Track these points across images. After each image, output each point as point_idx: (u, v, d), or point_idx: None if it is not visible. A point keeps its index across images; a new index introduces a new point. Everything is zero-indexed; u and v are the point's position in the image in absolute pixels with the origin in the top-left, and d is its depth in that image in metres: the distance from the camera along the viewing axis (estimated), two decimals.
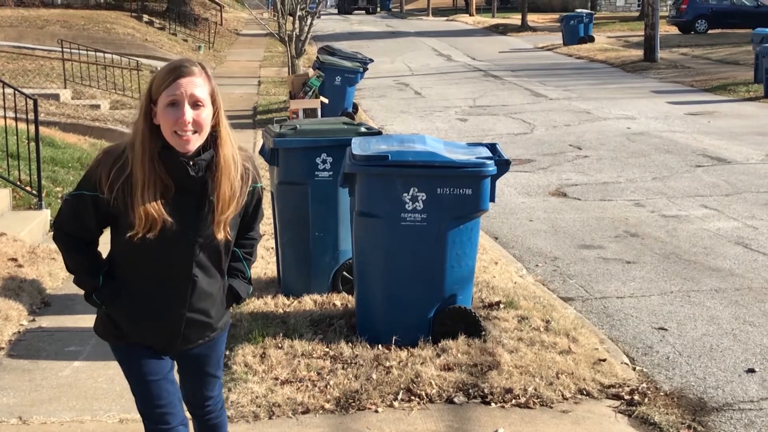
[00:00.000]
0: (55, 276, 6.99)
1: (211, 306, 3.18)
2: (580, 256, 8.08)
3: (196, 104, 2.91)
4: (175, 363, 3.31)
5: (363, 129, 6.39)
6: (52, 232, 3.21)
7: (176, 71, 2.92)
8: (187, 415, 3.35)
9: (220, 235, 3.04)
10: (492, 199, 5.45)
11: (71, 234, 3.10)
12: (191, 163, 2.94)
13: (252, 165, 3.14)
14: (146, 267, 3.05)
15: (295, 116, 13.36)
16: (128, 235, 2.94)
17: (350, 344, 5.44)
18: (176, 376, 3.31)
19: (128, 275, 3.09)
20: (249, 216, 3.25)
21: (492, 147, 5.71)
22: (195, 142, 2.93)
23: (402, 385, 4.94)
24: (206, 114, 2.93)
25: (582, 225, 9.16)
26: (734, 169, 11.68)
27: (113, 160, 2.96)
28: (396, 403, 4.79)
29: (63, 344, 5.75)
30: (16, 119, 10.03)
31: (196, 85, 2.91)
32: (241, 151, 3.09)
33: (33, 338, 5.87)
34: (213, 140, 2.99)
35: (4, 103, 9.88)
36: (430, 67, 26.75)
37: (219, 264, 3.16)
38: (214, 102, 2.96)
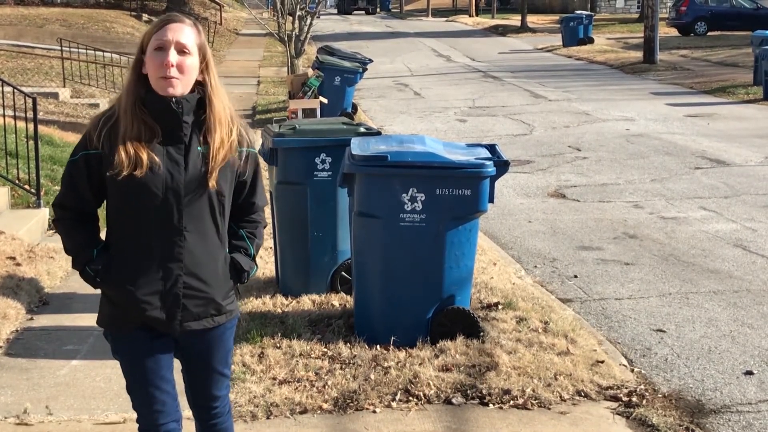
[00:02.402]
0: (54, 275, 6.98)
1: (210, 274, 3.12)
2: (578, 258, 8.08)
3: (182, 51, 3.00)
4: (180, 363, 3.27)
5: (362, 129, 6.39)
6: (53, 215, 3.22)
7: (167, 19, 3.06)
8: (188, 414, 3.34)
9: (212, 182, 3.04)
10: (491, 200, 5.45)
11: (69, 207, 3.13)
12: (173, 99, 3.00)
13: (246, 130, 3.20)
14: (139, 218, 3.03)
15: (294, 116, 13.36)
16: (113, 172, 2.97)
17: (348, 344, 5.44)
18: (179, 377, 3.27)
19: (123, 236, 3.08)
20: (248, 188, 3.23)
21: (491, 148, 5.71)
22: (178, 87, 3.00)
23: (400, 386, 4.93)
24: (191, 62, 3.02)
25: (581, 226, 9.17)
26: (733, 171, 11.69)
27: (101, 116, 3.09)
28: (394, 404, 4.79)
29: (61, 343, 5.74)
30: (15, 117, 10.02)
31: (184, 32, 3.02)
32: (236, 117, 3.18)
33: (31, 337, 5.87)
34: (203, 91, 3.07)
35: (3, 101, 9.85)
36: (429, 68, 26.75)
37: (213, 222, 3.12)
38: (203, 55, 3.06)
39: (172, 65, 2.97)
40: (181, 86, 3.01)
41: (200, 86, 3.07)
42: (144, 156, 2.97)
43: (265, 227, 3.40)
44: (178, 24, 3.02)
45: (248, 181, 3.23)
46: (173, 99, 3.00)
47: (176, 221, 3.04)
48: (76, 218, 3.15)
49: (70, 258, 3.22)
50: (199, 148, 3.05)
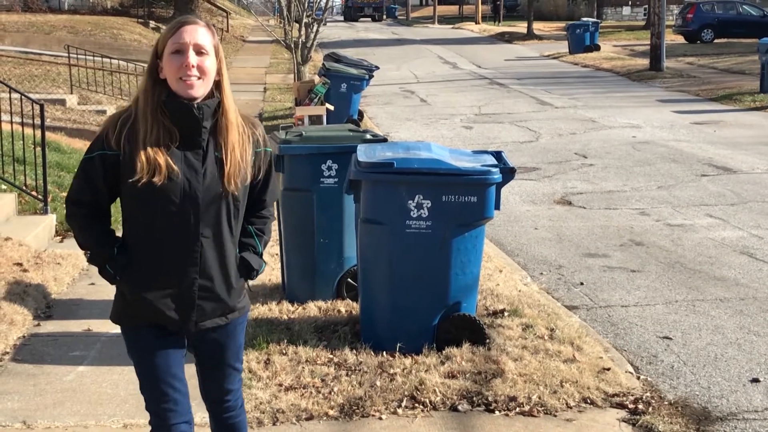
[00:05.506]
0: (61, 281, 6.99)
1: (224, 277, 3.16)
2: (584, 265, 8.07)
3: (200, 52, 3.01)
4: (194, 357, 3.31)
5: (368, 136, 6.40)
6: (65, 211, 3.23)
7: (181, 21, 3.07)
8: (198, 420, 3.35)
9: (231, 187, 3.06)
10: (497, 207, 5.45)
11: (83, 204, 3.14)
12: (195, 105, 3.01)
13: (261, 130, 3.23)
14: (156, 224, 3.05)
15: (301, 123, 13.38)
16: (133, 180, 2.98)
17: (354, 351, 5.45)
18: (190, 372, 3.29)
19: (140, 239, 3.10)
20: (260, 185, 3.26)
21: (497, 155, 5.72)
22: (199, 88, 3.02)
23: (406, 393, 4.94)
24: (210, 62, 3.03)
25: (587, 233, 9.16)
26: (739, 178, 11.68)
27: (118, 116, 3.09)
28: (400, 411, 4.79)
29: (68, 349, 5.75)
30: (22, 124, 10.04)
31: (200, 33, 3.03)
32: (250, 117, 3.22)
33: (38, 343, 5.88)
34: (218, 92, 3.09)
35: (11, 108, 9.89)
36: (435, 75, 26.78)
37: (229, 227, 3.14)
38: (217, 56, 3.07)
39: (193, 66, 2.99)
40: (203, 87, 3.03)
41: (215, 89, 3.09)
42: (162, 162, 2.98)
43: (273, 221, 3.44)
44: (193, 26, 3.03)
45: (262, 179, 3.27)
46: (195, 104, 3.01)
47: (193, 227, 3.07)
48: (91, 214, 3.16)
49: (83, 254, 3.24)
50: (216, 153, 3.07)
